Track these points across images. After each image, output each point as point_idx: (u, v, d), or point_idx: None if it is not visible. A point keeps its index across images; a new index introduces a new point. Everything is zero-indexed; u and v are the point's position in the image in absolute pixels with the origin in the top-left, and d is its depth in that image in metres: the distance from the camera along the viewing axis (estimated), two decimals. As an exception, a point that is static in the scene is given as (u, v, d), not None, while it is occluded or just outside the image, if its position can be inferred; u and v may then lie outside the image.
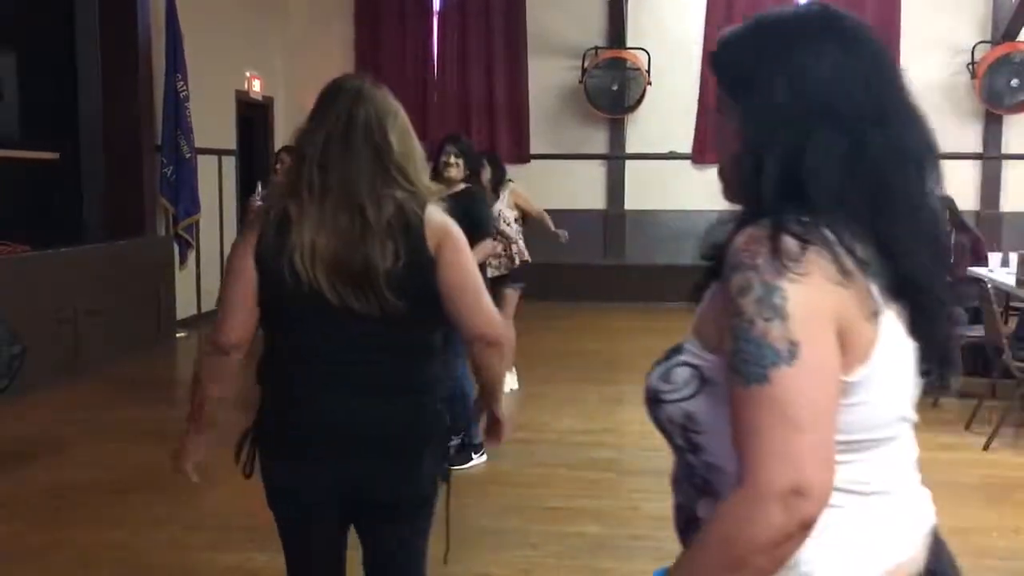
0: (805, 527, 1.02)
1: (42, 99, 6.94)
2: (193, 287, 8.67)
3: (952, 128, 10.18)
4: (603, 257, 10.79)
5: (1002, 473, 4.71)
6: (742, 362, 1.05)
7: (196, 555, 3.63)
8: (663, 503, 4.72)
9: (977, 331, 5.40)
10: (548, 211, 10.72)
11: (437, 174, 4.49)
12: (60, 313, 6.37)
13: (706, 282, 1.23)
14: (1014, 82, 9.87)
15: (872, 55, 1.16)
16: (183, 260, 8.46)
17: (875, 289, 1.10)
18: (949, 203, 6.83)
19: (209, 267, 8.84)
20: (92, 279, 6.72)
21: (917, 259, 1.13)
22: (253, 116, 10.20)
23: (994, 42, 10.07)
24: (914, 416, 1.20)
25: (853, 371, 1.09)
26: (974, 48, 10.07)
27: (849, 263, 1.07)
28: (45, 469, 4.66)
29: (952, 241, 6.78)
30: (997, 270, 6.54)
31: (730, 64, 1.21)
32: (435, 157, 4.53)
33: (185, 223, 8.29)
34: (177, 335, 8.10)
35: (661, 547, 3.70)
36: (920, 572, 1.17)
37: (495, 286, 5.87)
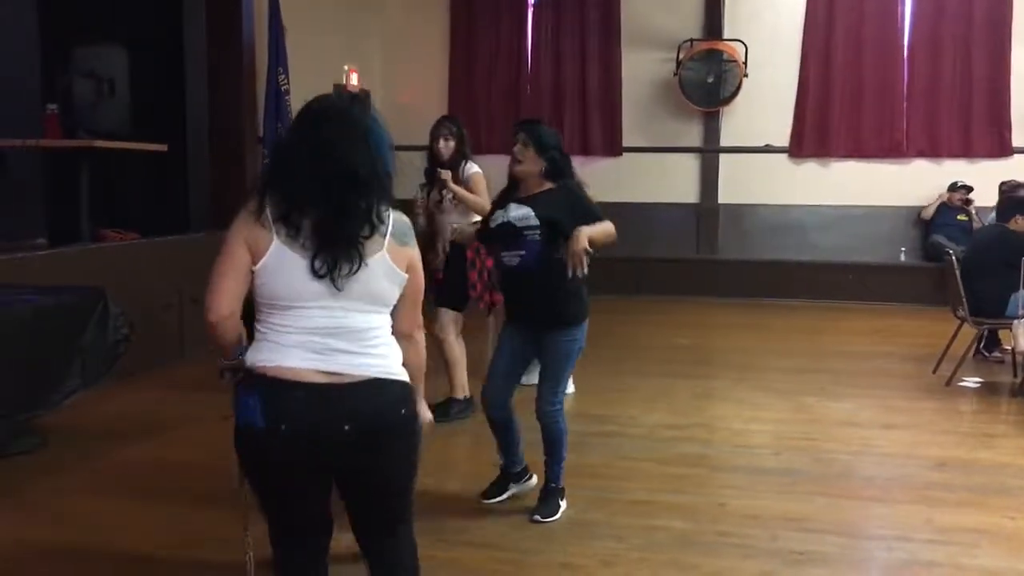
0: (211, 327, 2.20)
1: (152, 94, 7.21)
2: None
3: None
4: (696, 251, 10.66)
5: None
6: None
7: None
8: (752, 500, 4.63)
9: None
10: (639, 204, 10.64)
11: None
12: (165, 299, 6.63)
13: None
14: None
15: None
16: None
17: (275, 226, 2.12)
18: None
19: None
20: (197, 266, 6.89)
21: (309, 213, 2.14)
22: (351, 109, 10.39)
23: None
24: (310, 303, 2.14)
25: (256, 264, 2.14)
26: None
27: (262, 214, 2.14)
28: (149, 447, 4.86)
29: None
30: None
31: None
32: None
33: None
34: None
35: (748, 544, 3.67)
36: (296, 382, 2.14)
37: None
